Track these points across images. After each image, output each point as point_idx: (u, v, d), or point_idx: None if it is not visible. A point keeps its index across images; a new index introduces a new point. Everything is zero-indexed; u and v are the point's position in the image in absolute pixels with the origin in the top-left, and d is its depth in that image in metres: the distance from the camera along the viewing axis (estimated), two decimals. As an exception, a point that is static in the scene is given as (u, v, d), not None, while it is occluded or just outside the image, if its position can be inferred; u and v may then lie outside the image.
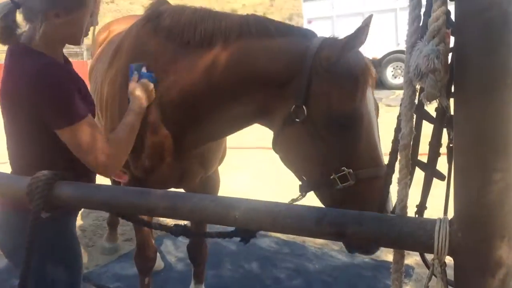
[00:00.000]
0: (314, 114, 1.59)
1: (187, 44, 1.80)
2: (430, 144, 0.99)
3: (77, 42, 1.64)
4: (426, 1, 0.89)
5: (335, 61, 1.55)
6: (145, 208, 1.24)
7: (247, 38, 1.70)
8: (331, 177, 1.56)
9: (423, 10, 0.91)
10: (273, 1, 57.46)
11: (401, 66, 13.14)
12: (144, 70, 1.86)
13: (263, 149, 7.14)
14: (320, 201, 1.71)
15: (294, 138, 1.65)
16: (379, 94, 12.51)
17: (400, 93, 12.65)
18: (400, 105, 0.94)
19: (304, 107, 1.58)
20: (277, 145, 1.74)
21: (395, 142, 0.99)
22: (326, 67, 1.57)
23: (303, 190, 1.71)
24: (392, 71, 13.39)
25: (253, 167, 6.25)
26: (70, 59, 1.81)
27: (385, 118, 10.08)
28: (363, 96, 1.59)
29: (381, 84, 13.54)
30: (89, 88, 1.88)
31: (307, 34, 1.72)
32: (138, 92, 1.80)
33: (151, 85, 1.83)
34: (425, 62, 0.79)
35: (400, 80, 13.25)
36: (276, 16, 51.42)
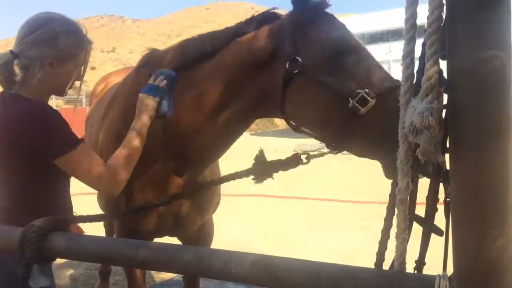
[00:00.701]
0: (311, 59, 1.63)
1: None
2: (428, 198, 0.99)
3: (62, 93, 1.75)
4: (419, 60, 0.93)
5: (309, 13, 1.69)
6: (140, 261, 1.21)
7: (220, 51, 1.79)
8: (350, 105, 1.50)
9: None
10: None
11: (396, 116, 13.40)
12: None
13: (258, 196, 7.11)
14: (351, 150, 1.69)
15: (301, 94, 1.65)
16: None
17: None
18: (396, 159, 0.94)
19: (297, 57, 1.63)
20: (288, 114, 1.71)
21: (392, 196, 0.99)
22: (301, 21, 1.69)
23: (334, 148, 1.70)
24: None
25: (248, 216, 6.17)
26: (68, 106, 1.87)
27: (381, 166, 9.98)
28: (342, 27, 1.71)
29: (377, 133, 13.72)
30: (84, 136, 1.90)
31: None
32: (149, 100, 1.76)
33: (154, 104, 1.77)
34: (419, 119, 0.81)
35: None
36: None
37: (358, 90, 1.50)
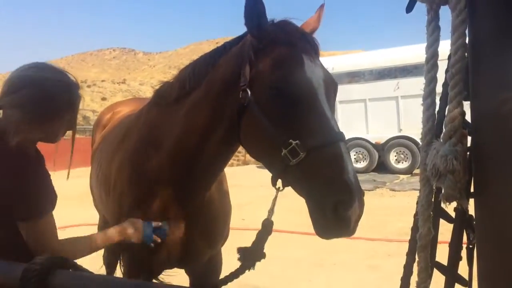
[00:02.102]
0: (257, 93, 1.59)
1: (170, 104, 1.98)
2: (451, 246, 0.94)
3: (50, 142, 1.73)
4: (440, 101, 0.90)
5: (258, 35, 1.62)
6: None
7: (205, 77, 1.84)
8: (282, 154, 1.47)
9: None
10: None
11: (404, 151, 13.30)
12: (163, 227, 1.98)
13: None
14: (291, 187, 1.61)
15: (249, 126, 1.63)
16: (383, 178, 12.52)
17: (404, 177, 12.73)
18: (417, 203, 0.90)
19: (248, 89, 1.59)
20: (241, 141, 1.71)
21: (412, 242, 0.94)
22: (257, 46, 1.63)
23: (272, 182, 1.63)
24: (395, 156, 13.52)
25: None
26: (77, 135, 1.87)
27: (390, 203, 9.94)
28: (295, 63, 1.56)
29: (385, 169, 13.60)
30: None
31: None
32: (129, 230, 1.88)
33: (139, 235, 1.90)
34: (443, 162, 0.77)
35: (403, 165, 13.34)
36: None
37: (290, 141, 1.46)
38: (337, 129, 1.49)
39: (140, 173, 2.06)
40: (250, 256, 1.83)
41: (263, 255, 1.84)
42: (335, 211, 1.36)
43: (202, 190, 2.05)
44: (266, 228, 1.83)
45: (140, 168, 2.05)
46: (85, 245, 1.78)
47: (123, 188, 2.12)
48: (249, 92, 1.60)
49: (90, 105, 39.11)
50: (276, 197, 1.73)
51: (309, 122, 1.48)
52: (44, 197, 1.60)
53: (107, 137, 2.84)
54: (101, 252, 3.96)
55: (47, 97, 1.63)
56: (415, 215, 0.92)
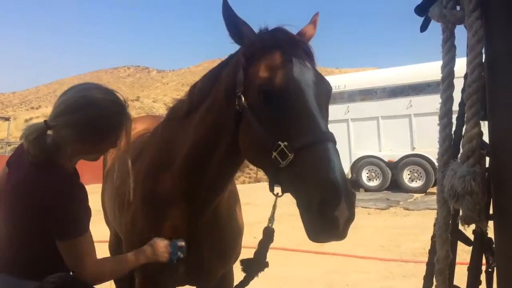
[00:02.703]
0: (249, 98, 1.60)
1: (181, 119, 2.04)
2: (470, 269, 0.91)
3: (94, 160, 1.84)
4: (456, 121, 0.88)
5: (244, 43, 1.69)
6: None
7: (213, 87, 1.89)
8: (272, 156, 1.47)
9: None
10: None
11: (417, 170, 13.14)
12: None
13: (275, 249, 6.91)
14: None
15: (244, 132, 1.64)
16: (397, 197, 12.35)
17: (418, 196, 12.53)
18: (434, 225, 0.88)
19: (242, 96, 1.62)
20: (241, 148, 1.71)
21: (430, 265, 0.92)
22: (247, 53, 1.66)
23: (270, 187, 1.62)
24: (409, 174, 13.35)
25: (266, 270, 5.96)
26: None
27: (404, 222, 9.77)
28: (282, 65, 1.56)
29: (398, 187, 13.43)
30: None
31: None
32: (160, 249, 1.90)
33: (165, 258, 1.92)
34: (461, 183, 0.75)
35: (417, 184, 13.17)
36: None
37: (279, 143, 1.47)
38: (325, 128, 1.47)
39: (153, 192, 2.08)
40: (253, 266, 1.82)
41: (266, 265, 1.83)
42: (321, 211, 1.33)
43: (211, 204, 2.05)
44: (268, 236, 1.82)
45: (153, 187, 2.08)
46: (121, 265, 1.83)
47: (136, 206, 2.14)
48: (243, 99, 1.63)
49: (104, 122, 39.51)
50: (275, 203, 1.74)
51: (297, 123, 1.48)
52: (84, 216, 1.64)
53: (122, 155, 2.85)
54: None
55: (102, 118, 1.68)
56: (433, 237, 0.90)
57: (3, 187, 1.72)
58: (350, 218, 1.36)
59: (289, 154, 1.44)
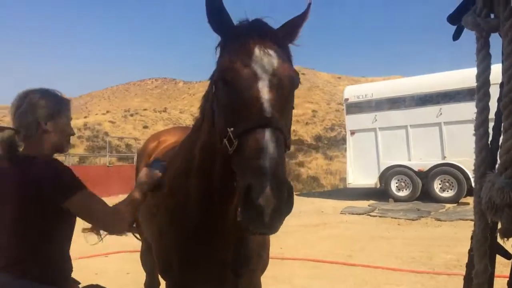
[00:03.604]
0: (216, 89, 1.64)
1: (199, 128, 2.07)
2: (509, 284, 0.88)
3: (62, 149, 2.11)
4: (493, 131, 0.86)
5: (220, 34, 1.71)
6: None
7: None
8: (223, 144, 1.50)
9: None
10: (316, 112, 59.77)
11: (449, 179, 12.80)
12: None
13: (303, 260, 6.84)
14: None
15: (216, 124, 1.68)
16: (428, 207, 12.06)
17: (450, 206, 12.21)
18: (471, 238, 0.85)
19: (213, 87, 1.67)
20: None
21: (468, 279, 0.89)
22: (222, 44, 1.70)
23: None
24: (440, 184, 13.02)
25: (292, 281, 5.90)
26: (121, 163, 2.10)
27: (436, 233, 9.52)
28: (238, 54, 1.57)
29: (429, 197, 13.11)
30: None
31: None
32: (143, 176, 2.11)
33: (158, 174, 2.13)
34: (499, 195, 0.73)
35: (448, 194, 12.83)
36: (319, 126, 53.05)
37: (227, 129, 1.48)
38: (268, 114, 1.46)
39: (179, 198, 2.14)
40: None
41: None
42: (246, 197, 1.32)
43: (230, 204, 2.03)
44: None
45: (179, 194, 2.14)
46: (132, 202, 2.02)
47: (165, 213, 2.23)
48: (213, 90, 1.67)
49: (132, 133, 40.40)
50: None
51: (243, 110, 1.48)
52: (75, 179, 1.92)
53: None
54: (140, 279, 4.01)
55: (45, 96, 2.03)
56: (470, 251, 0.88)
57: None
58: (278, 208, 1.32)
59: (234, 141, 1.45)
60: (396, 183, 13.66)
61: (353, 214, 11.63)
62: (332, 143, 43.51)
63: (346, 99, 15.07)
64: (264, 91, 1.51)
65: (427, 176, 13.14)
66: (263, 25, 1.70)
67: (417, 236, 8.55)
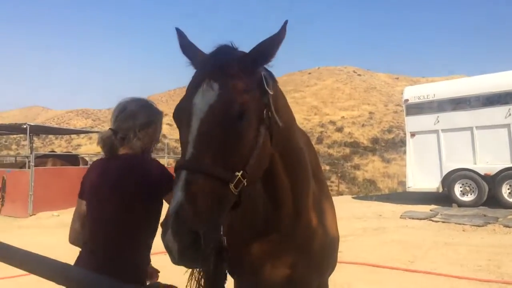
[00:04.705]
0: None
1: None
2: None
3: (149, 150, 2.31)
4: None
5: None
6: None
7: None
8: None
9: None
10: (373, 114, 58.18)
11: (519, 184, 12.02)
12: None
13: (360, 265, 6.69)
14: None
15: None
16: (495, 213, 11.40)
17: (520, 212, 11.45)
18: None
19: None
20: None
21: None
22: None
23: None
24: (508, 189, 12.26)
25: (353, 286, 5.80)
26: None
27: (504, 241, 9.01)
28: (187, 90, 1.60)
29: (497, 203, 12.39)
30: None
31: None
32: None
33: None
34: None
35: (518, 199, 12.05)
36: (376, 128, 51.62)
37: None
38: (188, 155, 1.46)
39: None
40: None
41: None
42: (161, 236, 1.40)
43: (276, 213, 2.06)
44: None
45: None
46: None
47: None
48: None
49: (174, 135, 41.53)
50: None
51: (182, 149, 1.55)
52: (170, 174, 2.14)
53: None
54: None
55: (143, 107, 2.31)
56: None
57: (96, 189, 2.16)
58: (175, 249, 1.35)
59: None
60: (461, 187, 13.03)
61: (413, 219, 11.21)
62: (389, 145, 42.28)
63: (406, 100, 14.57)
64: (195, 131, 1.49)
65: (494, 180, 12.42)
66: (222, 54, 1.64)
67: (483, 243, 8.11)
